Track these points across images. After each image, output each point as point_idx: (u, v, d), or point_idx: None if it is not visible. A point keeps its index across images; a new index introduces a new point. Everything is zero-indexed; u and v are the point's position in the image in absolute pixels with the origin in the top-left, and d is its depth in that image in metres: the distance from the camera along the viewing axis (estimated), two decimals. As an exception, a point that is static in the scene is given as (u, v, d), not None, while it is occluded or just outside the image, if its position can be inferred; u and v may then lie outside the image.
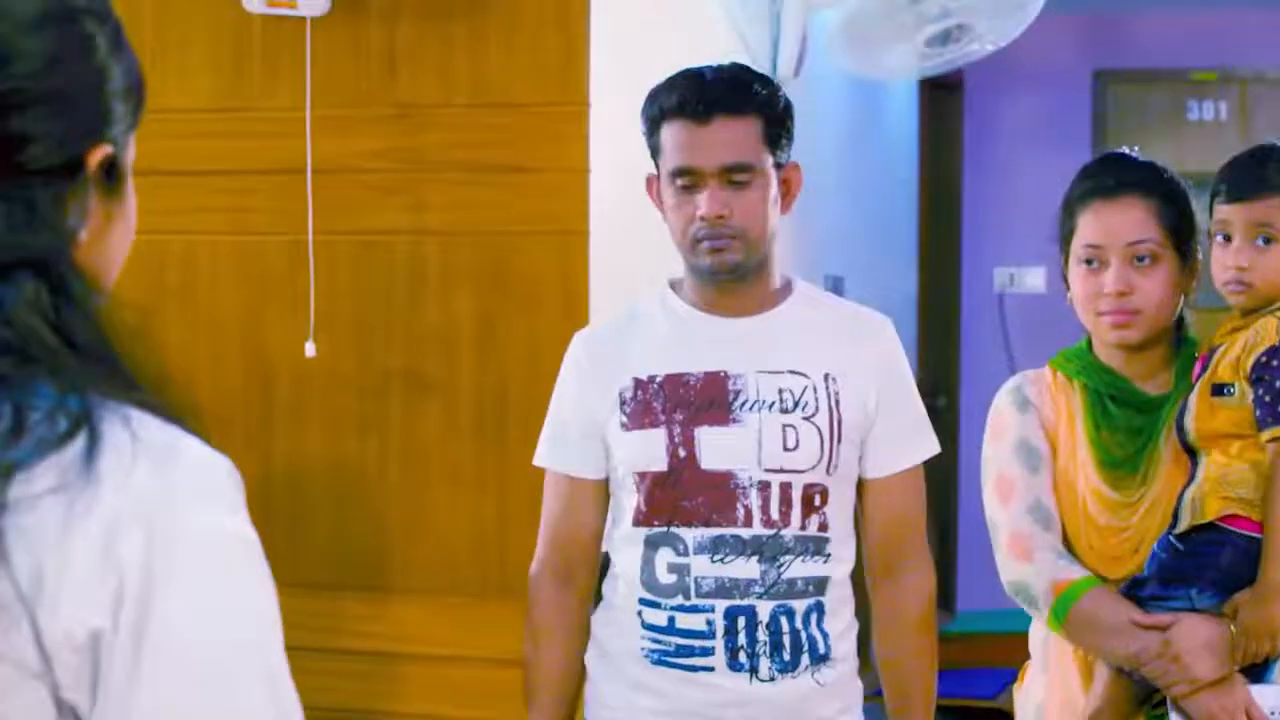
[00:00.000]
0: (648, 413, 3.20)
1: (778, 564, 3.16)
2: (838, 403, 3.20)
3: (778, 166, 3.21)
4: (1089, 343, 3.29)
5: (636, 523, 3.21)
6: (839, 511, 3.22)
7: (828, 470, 3.19)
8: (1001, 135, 8.98)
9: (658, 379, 3.21)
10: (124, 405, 1.32)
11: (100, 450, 1.28)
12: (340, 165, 4.34)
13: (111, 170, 1.42)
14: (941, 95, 8.68)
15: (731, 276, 3.20)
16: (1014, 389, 3.32)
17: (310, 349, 4.31)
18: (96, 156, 1.40)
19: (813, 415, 3.19)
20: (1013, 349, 8.40)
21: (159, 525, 1.29)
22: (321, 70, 4.32)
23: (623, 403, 3.23)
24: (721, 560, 3.15)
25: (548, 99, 4.19)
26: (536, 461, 3.36)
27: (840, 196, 6.83)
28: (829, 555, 3.20)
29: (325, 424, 4.39)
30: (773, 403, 3.18)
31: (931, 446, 3.35)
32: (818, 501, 3.18)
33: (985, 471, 3.30)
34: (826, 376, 3.21)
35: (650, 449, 3.19)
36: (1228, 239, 3.13)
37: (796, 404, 3.18)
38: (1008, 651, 3.29)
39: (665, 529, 3.18)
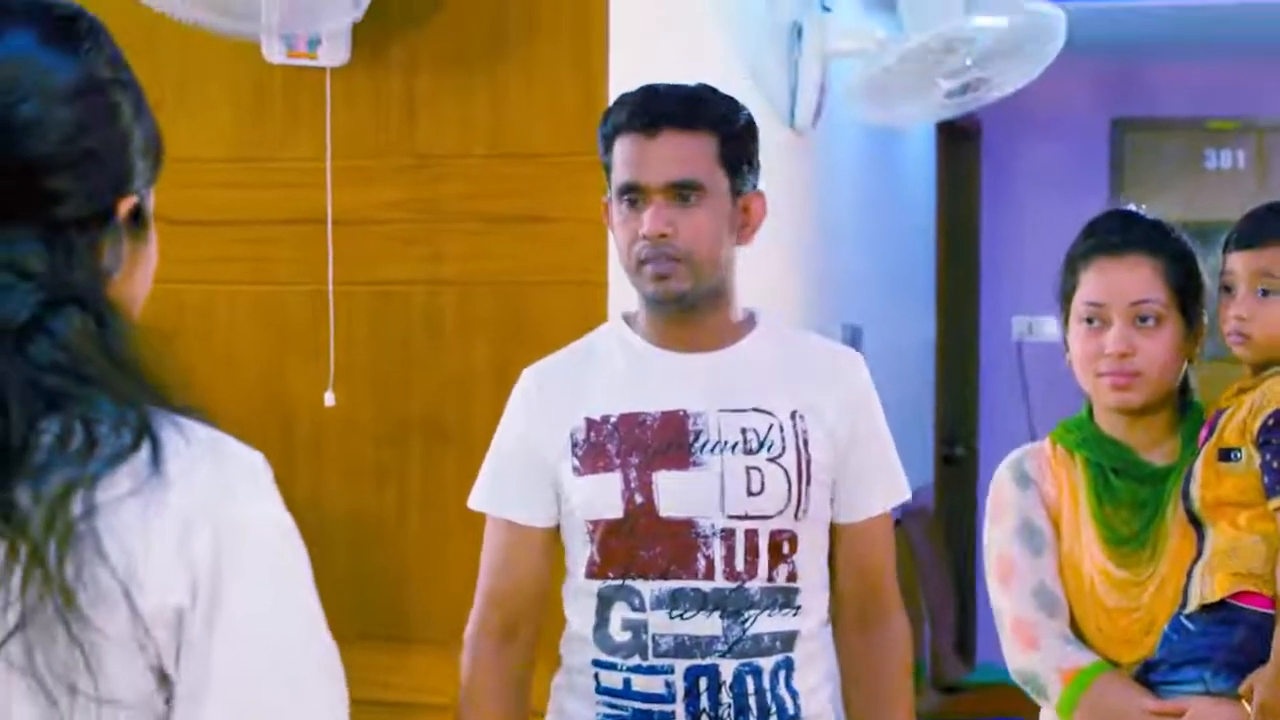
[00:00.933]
0: (601, 456, 2.96)
1: (742, 619, 2.91)
2: (806, 442, 2.97)
3: (736, 193, 3.00)
4: (1090, 411, 3.16)
5: (589, 575, 2.98)
6: (810, 559, 3.00)
7: (796, 515, 2.96)
8: (1019, 183, 8.99)
9: (612, 419, 2.98)
10: (169, 414, 1.55)
11: (163, 456, 1.51)
12: (360, 216, 4.35)
13: (137, 217, 1.64)
14: (959, 142, 8.69)
15: (679, 306, 2.98)
16: (1014, 464, 3.19)
17: (329, 398, 4.31)
18: (125, 207, 1.62)
19: (779, 456, 2.95)
20: (1031, 398, 8.39)
21: (223, 520, 1.52)
22: (341, 121, 4.34)
23: (574, 445, 2.99)
24: (680, 616, 2.91)
25: (566, 149, 4.19)
26: (473, 504, 3.15)
27: (858, 245, 6.83)
28: (799, 607, 2.97)
29: (344, 473, 4.39)
30: (736, 443, 2.94)
31: (904, 491, 3.15)
32: (786, 549, 2.95)
33: (987, 553, 3.18)
34: (794, 414, 2.98)
35: (604, 495, 2.95)
36: (1230, 289, 3.08)
37: (762, 444, 2.95)
38: (1028, 703, 3.22)
39: (620, 582, 2.95)
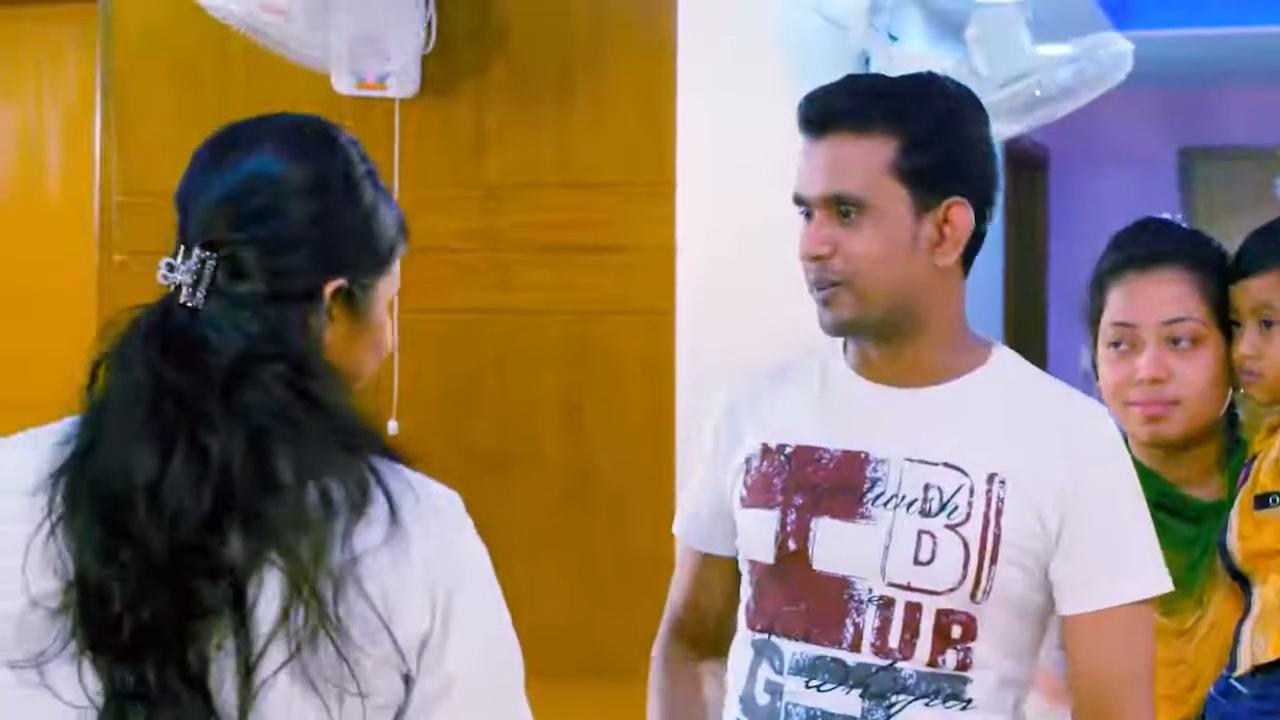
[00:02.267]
0: (766, 489, 2.53)
1: (887, 704, 2.43)
2: (999, 512, 2.42)
3: (924, 206, 2.46)
4: (1125, 444, 2.66)
5: (747, 623, 2.57)
6: (995, 651, 2.45)
7: (974, 596, 2.42)
8: (1087, 212, 8.96)
9: (788, 449, 2.54)
10: (382, 459, 1.88)
11: (398, 507, 1.85)
12: (428, 244, 4.36)
13: (350, 296, 1.96)
14: (1027, 172, 8.67)
15: (853, 336, 2.54)
16: None
17: (393, 426, 4.32)
18: (330, 288, 1.93)
19: (960, 524, 2.42)
20: (1099, 427, 8.36)
21: (449, 556, 1.89)
22: (410, 151, 4.35)
23: (747, 471, 2.57)
24: (818, 687, 2.46)
25: (634, 179, 4.20)
26: (674, 530, 2.78)
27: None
28: (969, 702, 2.43)
29: (412, 502, 4.40)
30: (914, 500, 2.45)
31: (1154, 582, 2.47)
32: (957, 634, 2.43)
33: None
34: (991, 477, 2.43)
35: (760, 534, 2.53)
36: (1239, 325, 2.73)
37: (943, 507, 2.43)
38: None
39: (766, 636, 2.52)
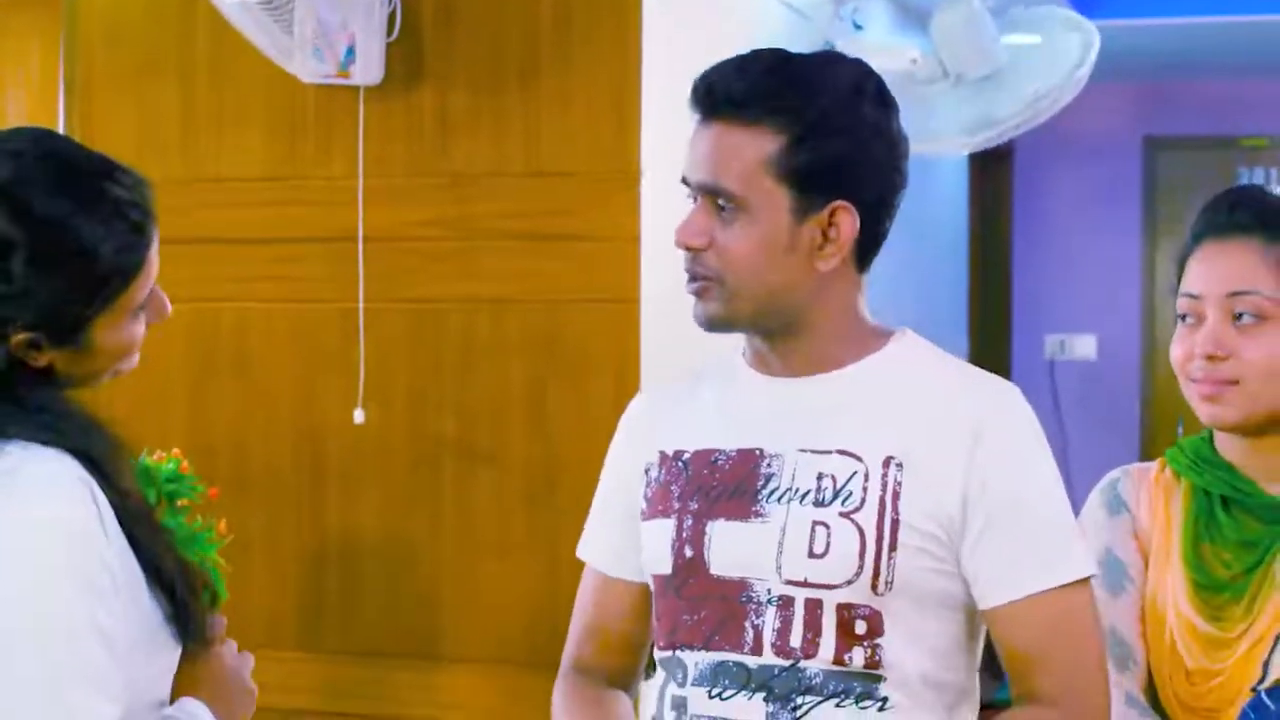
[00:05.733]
0: (664, 498, 2.42)
1: (792, 706, 2.30)
2: (896, 496, 2.29)
3: (805, 210, 2.32)
4: (1211, 431, 2.55)
5: (656, 641, 2.46)
6: (913, 649, 2.32)
7: (874, 587, 2.28)
8: (1051, 202, 8.98)
9: (685, 455, 2.43)
10: (29, 444, 2.08)
11: None
12: (393, 234, 4.36)
13: (55, 341, 2.15)
14: (991, 162, 8.68)
15: (726, 331, 2.40)
16: (1107, 486, 2.60)
17: (359, 415, 4.32)
18: (14, 337, 2.13)
19: (854, 511, 2.29)
20: (1064, 417, 8.36)
21: None
22: (375, 140, 4.35)
23: (647, 483, 2.47)
24: (720, 695, 2.34)
25: (599, 168, 4.21)
26: (577, 551, 2.67)
27: (890, 265, 6.82)
28: (884, 701, 2.30)
29: (377, 493, 4.40)
30: (807, 492, 2.32)
31: (1073, 567, 2.32)
32: (861, 630, 2.30)
33: None
34: (887, 461, 2.31)
35: (658, 544, 2.41)
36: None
37: (836, 495, 2.31)
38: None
39: (671, 652, 2.40)
